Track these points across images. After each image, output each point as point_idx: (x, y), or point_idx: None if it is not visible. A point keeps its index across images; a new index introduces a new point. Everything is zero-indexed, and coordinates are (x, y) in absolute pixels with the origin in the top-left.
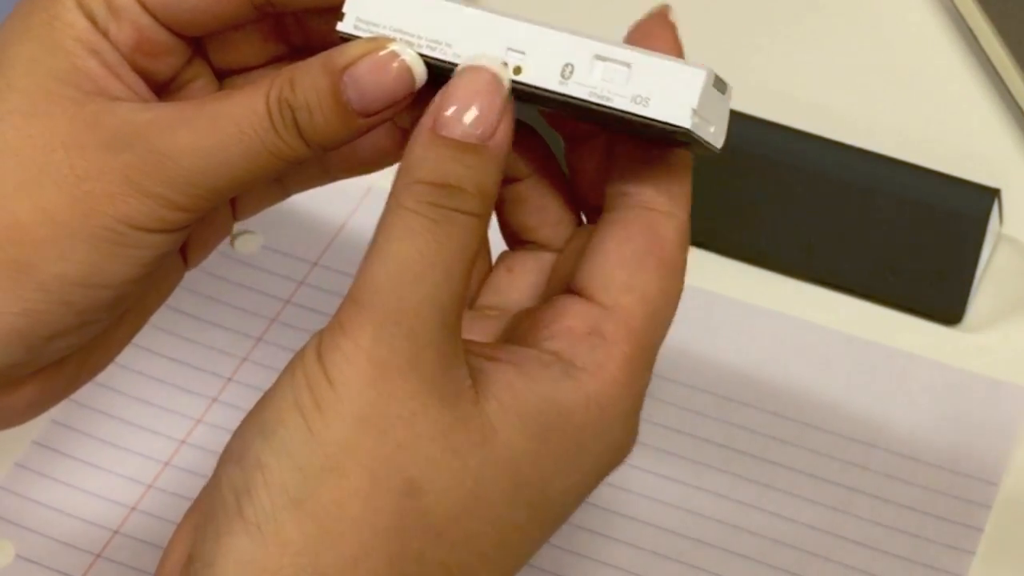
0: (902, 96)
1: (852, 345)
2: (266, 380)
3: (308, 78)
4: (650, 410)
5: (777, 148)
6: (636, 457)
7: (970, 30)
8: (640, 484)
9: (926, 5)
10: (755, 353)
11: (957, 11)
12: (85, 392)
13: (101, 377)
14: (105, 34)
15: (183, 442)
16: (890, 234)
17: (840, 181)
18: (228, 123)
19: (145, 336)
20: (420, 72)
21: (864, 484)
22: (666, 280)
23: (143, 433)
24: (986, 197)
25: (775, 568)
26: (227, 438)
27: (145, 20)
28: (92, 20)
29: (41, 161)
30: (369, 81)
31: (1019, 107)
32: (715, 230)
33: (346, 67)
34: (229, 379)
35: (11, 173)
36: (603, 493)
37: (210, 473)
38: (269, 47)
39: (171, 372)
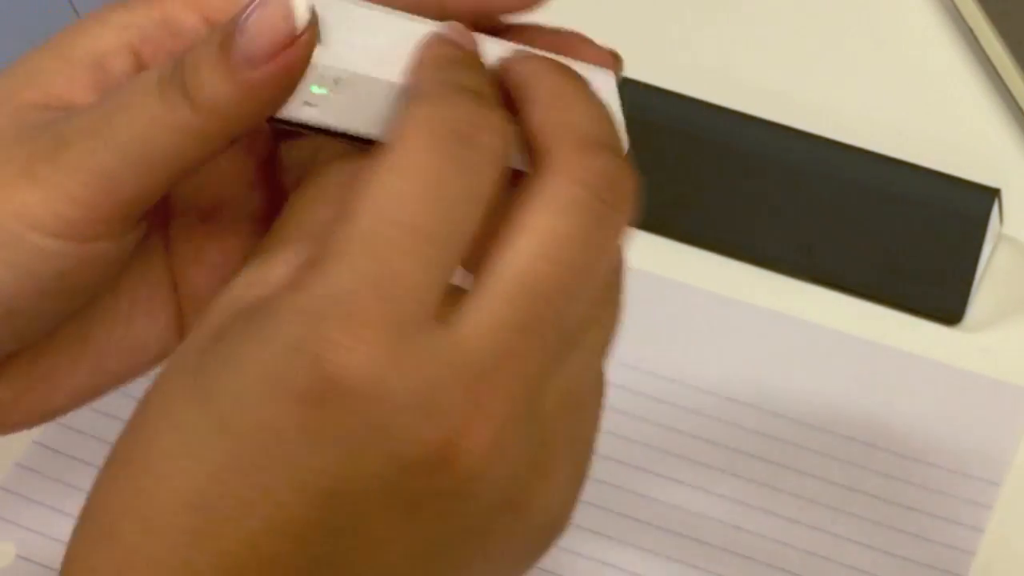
0: (902, 96)
1: (852, 345)
2: None
3: (201, 40)
4: (651, 410)
5: (777, 148)
6: (637, 457)
7: (970, 30)
8: (641, 484)
9: (926, 5)
10: (756, 353)
11: (957, 11)
12: None
13: None
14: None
15: None
16: (890, 234)
17: (840, 181)
18: (116, 97)
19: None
20: (302, 14)
21: (864, 484)
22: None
23: None
24: (986, 197)
25: (776, 568)
26: None
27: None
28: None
29: None
30: (252, 22)
31: (1019, 107)
32: (714, 230)
33: (233, 18)
34: None
35: None
36: (604, 493)
37: None
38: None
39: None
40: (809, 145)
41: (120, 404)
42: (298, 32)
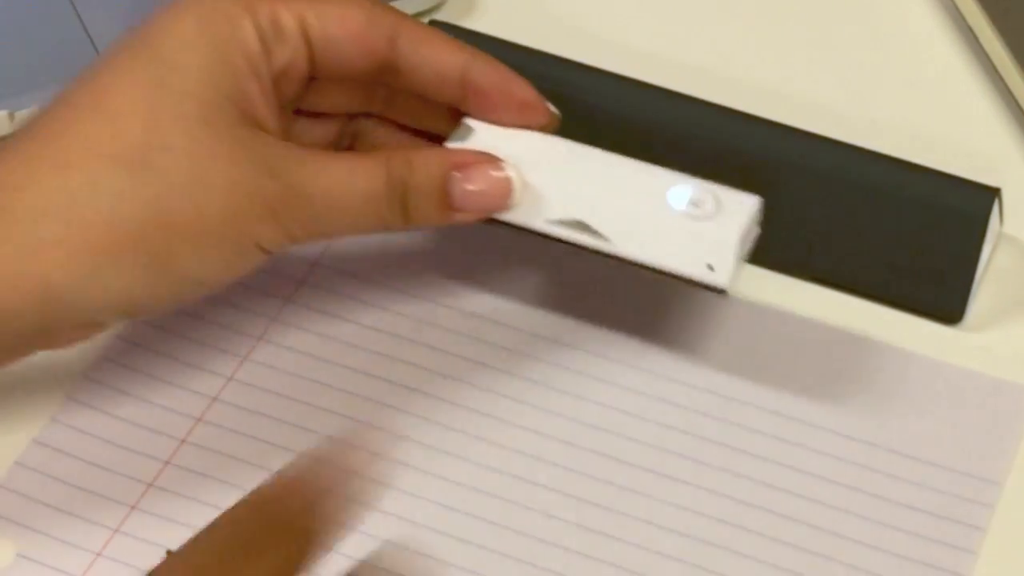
0: (902, 95)
1: (852, 344)
2: (267, 379)
3: (425, 166)
4: (651, 409)
5: (777, 147)
6: (637, 456)
7: (970, 29)
8: (641, 483)
9: (926, 4)
10: (756, 352)
11: (957, 10)
12: (84, 390)
13: (101, 375)
14: (267, 55)
15: (184, 441)
16: (890, 233)
17: (840, 180)
18: (356, 185)
19: (146, 335)
20: (519, 199)
21: (864, 483)
22: None
23: (142, 431)
24: (986, 196)
25: (776, 567)
26: (228, 438)
27: (301, 50)
28: (263, 41)
29: (205, 167)
30: (477, 187)
31: (1019, 106)
32: None
33: (461, 167)
34: (230, 378)
35: (179, 172)
36: (605, 492)
37: (211, 472)
38: (352, 104)
39: (171, 371)
40: (808, 144)
41: (120, 402)
42: (509, 207)
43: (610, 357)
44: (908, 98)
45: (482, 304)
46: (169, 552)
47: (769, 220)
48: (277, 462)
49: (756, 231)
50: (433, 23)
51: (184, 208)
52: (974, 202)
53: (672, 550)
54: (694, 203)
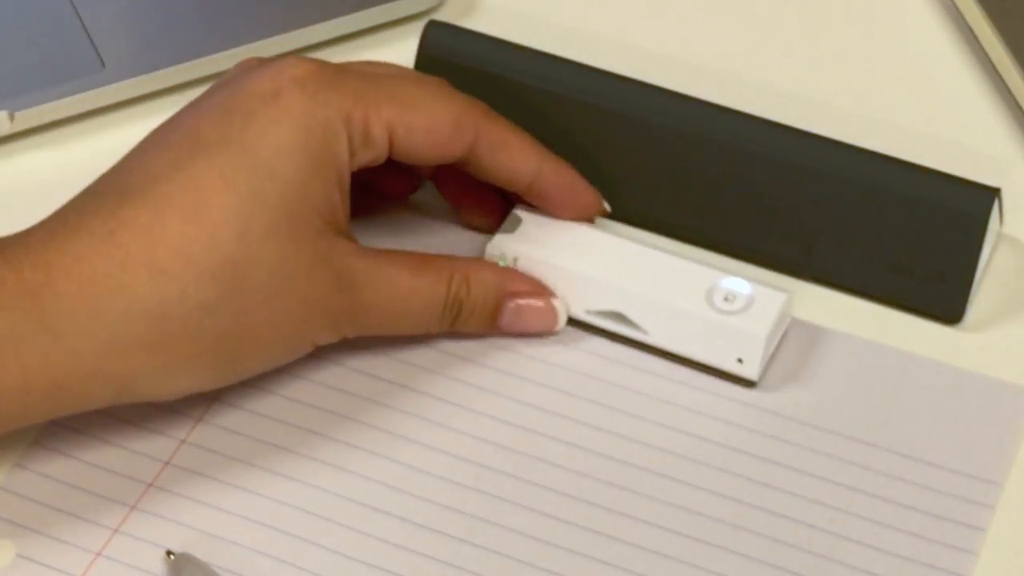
0: (902, 95)
1: (852, 344)
2: (267, 379)
3: (483, 290)
4: (650, 409)
5: (777, 147)
6: (637, 456)
7: (970, 29)
8: (641, 483)
9: (926, 4)
10: None
11: (957, 10)
12: None
13: None
14: (352, 159)
15: (184, 441)
16: (890, 233)
17: (840, 180)
18: (416, 300)
19: None
20: (561, 326)
21: (865, 484)
22: None
23: (143, 432)
24: (986, 196)
25: (776, 568)
26: (227, 437)
27: (384, 152)
28: (352, 153)
29: (287, 282)
30: (525, 315)
31: (1019, 106)
32: (714, 229)
33: (515, 295)
34: None
35: (264, 288)
36: (605, 492)
37: (211, 473)
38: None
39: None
40: (809, 144)
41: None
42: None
43: (609, 357)
44: (908, 98)
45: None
46: (169, 552)
47: (769, 220)
48: (278, 463)
49: (788, 320)
50: (433, 23)
51: (262, 320)
52: (974, 202)
53: (672, 550)
54: (727, 298)
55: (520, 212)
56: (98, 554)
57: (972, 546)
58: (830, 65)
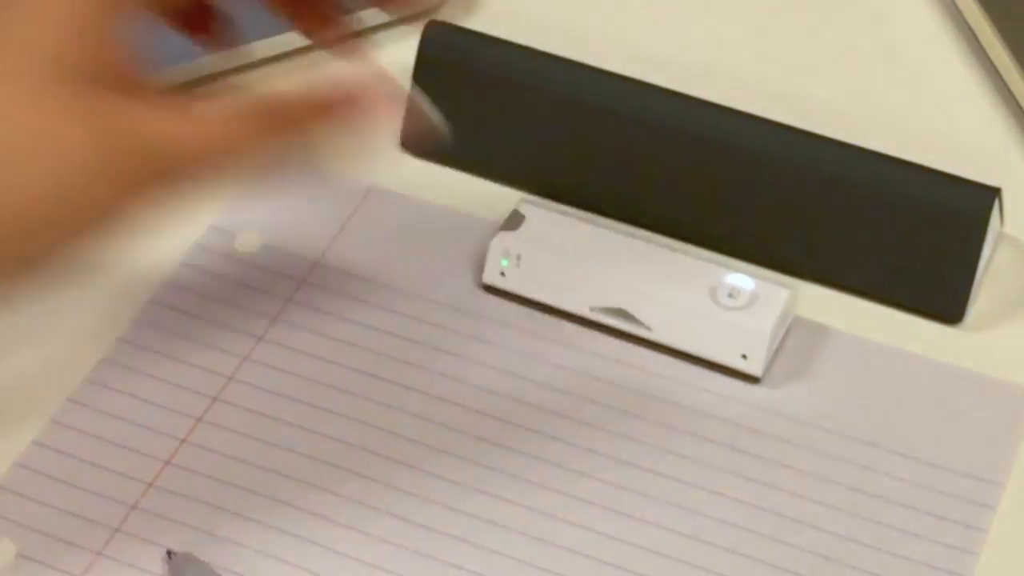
0: (903, 95)
1: (853, 344)
2: (267, 379)
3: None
4: (650, 408)
5: (777, 146)
6: (637, 456)
7: (970, 29)
8: (641, 483)
9: (927, 5)
10: None
11: (957, 9)
12: (84, 391)
13: (101, 376)
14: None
15: (184, 441)
16: (891, 233)
17: (840, 180)
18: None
19: (146, 335)
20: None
21: (865, 484)
22: None
23: (143, 431)
24: (987, 196)
25: (776, 567)
26: (228, 437)
27: None
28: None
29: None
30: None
31: (1020, 106)
32: (714, 229)
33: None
34: (230, 378)
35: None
36: (605, 492)
37: (211, 472)
38: None
39: (171, 371)
40: (809, 144)
41: (120, 402)
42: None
43: (612, 355)
44: (908, 98)
45: (491, 308)
46: (169, 552)
47: (770, 220)
48: (278, 462)
49: (791, 316)
50: (433, 23)
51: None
52: (974, 202)
53: (672, 550)
54: (731, 294)
55: (524, 209)
56: (99, 553)
57: (973, 546)
58: (830, 65)
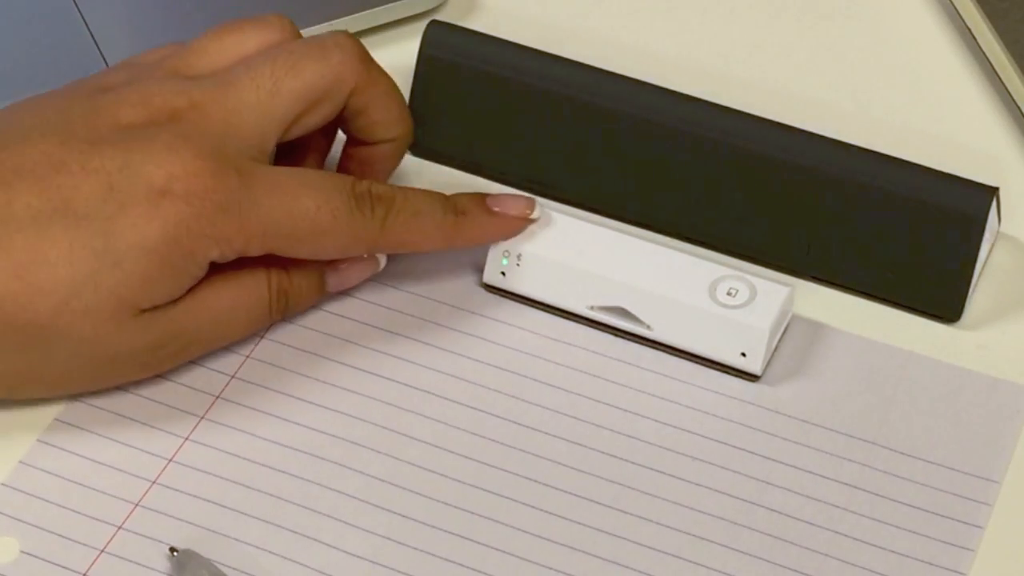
0: (901, 94)
1: (852, 342)
2: (269, 378)
3: (302, 272)
4: (650, 408)
5: (776, 146)
6: (636, 453)
7: (968, 29)
8: (641, 482)
9: (924, 5)
10: None
11: (955, 9)
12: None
13: None
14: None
15: (187, 439)
16: (889, 232)
17: (839, 179)
18: (241, 312)
19: None
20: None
21: (864, 481)
22: None
23: (146, 429)
24: (985, 196)
25: (775, 565)
26: (231, 436)
27: None
28: (217, 259)
29: (90, 355)
30: (349, 274)
31: (1017, 106)
32: (714, 228)
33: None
34: (232, 376)
35: (65, 353)
36: (605, 490)
37: (214, 471)
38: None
39: (173, 369)
40: (808, 144)
41: (123, 400)
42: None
43: (611, 354)
44: (907, 98)
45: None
46: (173, 549)
47: (769, 219)
48: (280, 460)
49: (790, 314)
50: (434, 23)
51: (53, 379)
52: (972, 201)
53: (671, 547)
54: (729, 292)
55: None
56: (102, 551)
57: (970, 543)
58: (829, 65)
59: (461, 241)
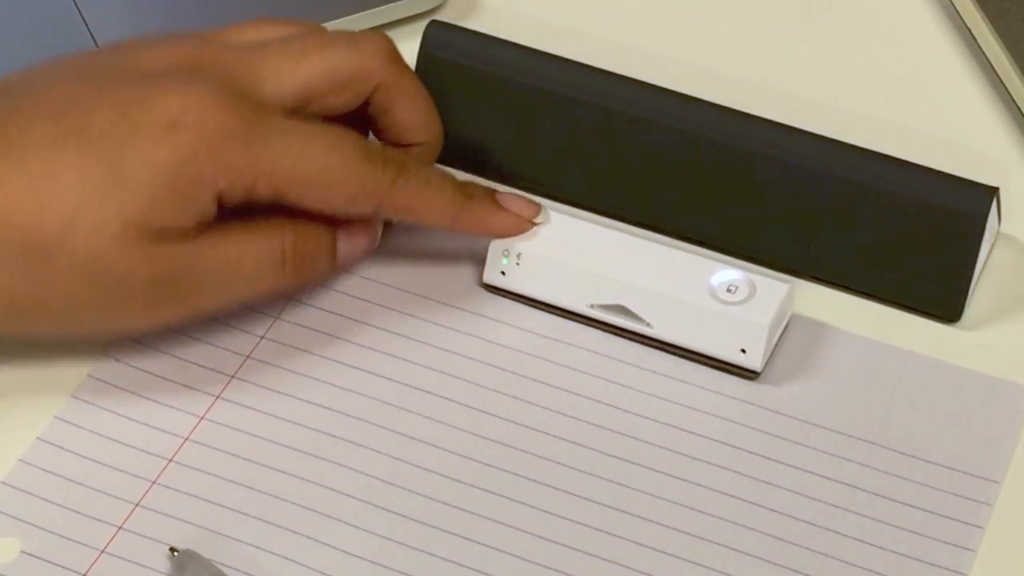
0: (901, 95)
1: (852, 342)
2: (270, 378)
3: (314, 233)
4: (650, 408)
5: (776, 146)
6: (636, 454)
7: (968, 29)
8: (641, 482)
9: (924, 5)
10: None
11: (955, 10)
12: (88, 389)
13: (103, 374)
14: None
15: (186, 439)
16: (889, 232)
17: (839, 179)
18: (249, 263)
19: (148, 334)
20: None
21: (864, 481)
22: None
23: (146, 429)
24: (985, 196)
25: (776, 565)
26: (230, 435)
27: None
28: (228, 196)
29: (94, 275)
30: (346, 258)
31: (1017, 106)
32: (714, 228)
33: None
34: (232, 376)
35: (71, 270)
36: (606, 490)
37: (214, 471)
38: None
39: (174, 369)
40: (808, 144)
41: (123, 400)
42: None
43: (611, 354)
44: (907, 98)
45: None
46: (173, 549)
47: (769, 219)
48: (281, 460)
49: (790, 311)
50: (434, 23)
51: (60, 299)
52: (972, 201)
53: (671, 547)
54: (729, 289)
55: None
56: (102, 551)
57: (971, 543)
58: (829, 65)
59: (464, 224)
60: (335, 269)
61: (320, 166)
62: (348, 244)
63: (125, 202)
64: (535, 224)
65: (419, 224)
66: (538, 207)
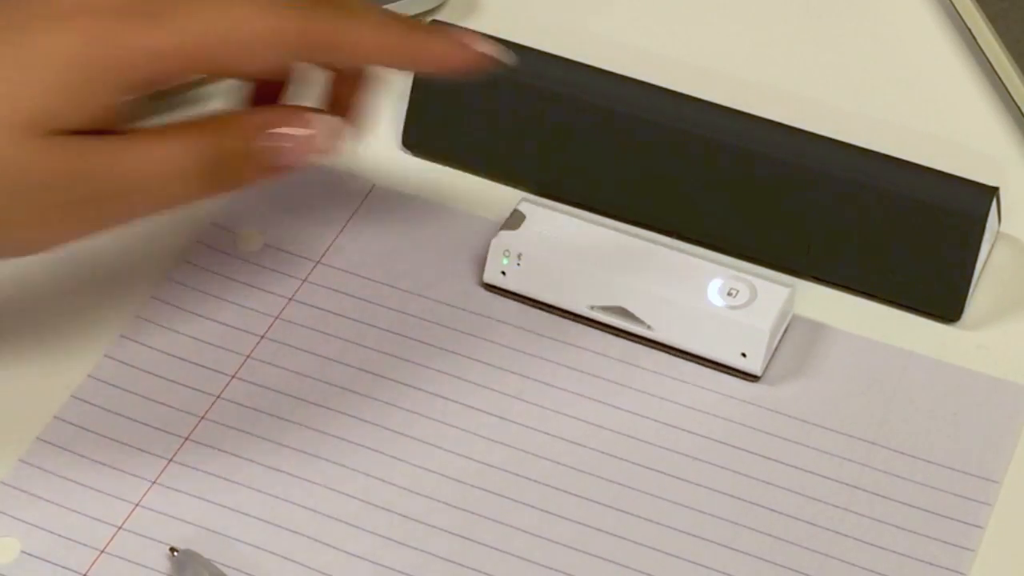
0: (901, 95)
1: (852, 342)
2: (270, 378)
3: (231, 132)
4: (650, 408)
5: (777, 147)
6: (636, 454)
7: (968, 29)
8: (641, 482)
9: (924, 5)
10: None
11: (955, 9)
12: (88, 389)
13: (104, 374)
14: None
15: (186, 439)
16: (889, 232)
17: (839, 179)
18: (158, 164)
19: (148, 334)
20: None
21: (864, 481)
22: None
23: (147, 429)
24: (985, 196)
25: (775, 565)
26: (231, 436)
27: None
28: (131, 87)
29: None
30: (282, 149)
31: (1017, 106)
32: (714, 228)
33: (269, 127)
34: (233, 376)
35: None
36: (606, 490)
37: (215, 471)
38: None
39: (174, 370)
40: (809, 144)
41: (124, 400)
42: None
43: (612, 354)
44: (907, 98)
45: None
46: (173, 549)
47: (769, 219)
48: (279, 461)
49: (790, 315)
50: (434, 23)
51: None
52: (972, 201)
53: (671, 547)
54: (730, 293)
55: (524, 208)
56: (102, 551)
57: (971, 543)
58: (829, 65)
59: (401, 55)
60: (273, 173)
61: (230, 22)
62: (271, 141)
63: (26, 94)
64: (487, 55)
65: (354, 64)
66: (494, 44)
